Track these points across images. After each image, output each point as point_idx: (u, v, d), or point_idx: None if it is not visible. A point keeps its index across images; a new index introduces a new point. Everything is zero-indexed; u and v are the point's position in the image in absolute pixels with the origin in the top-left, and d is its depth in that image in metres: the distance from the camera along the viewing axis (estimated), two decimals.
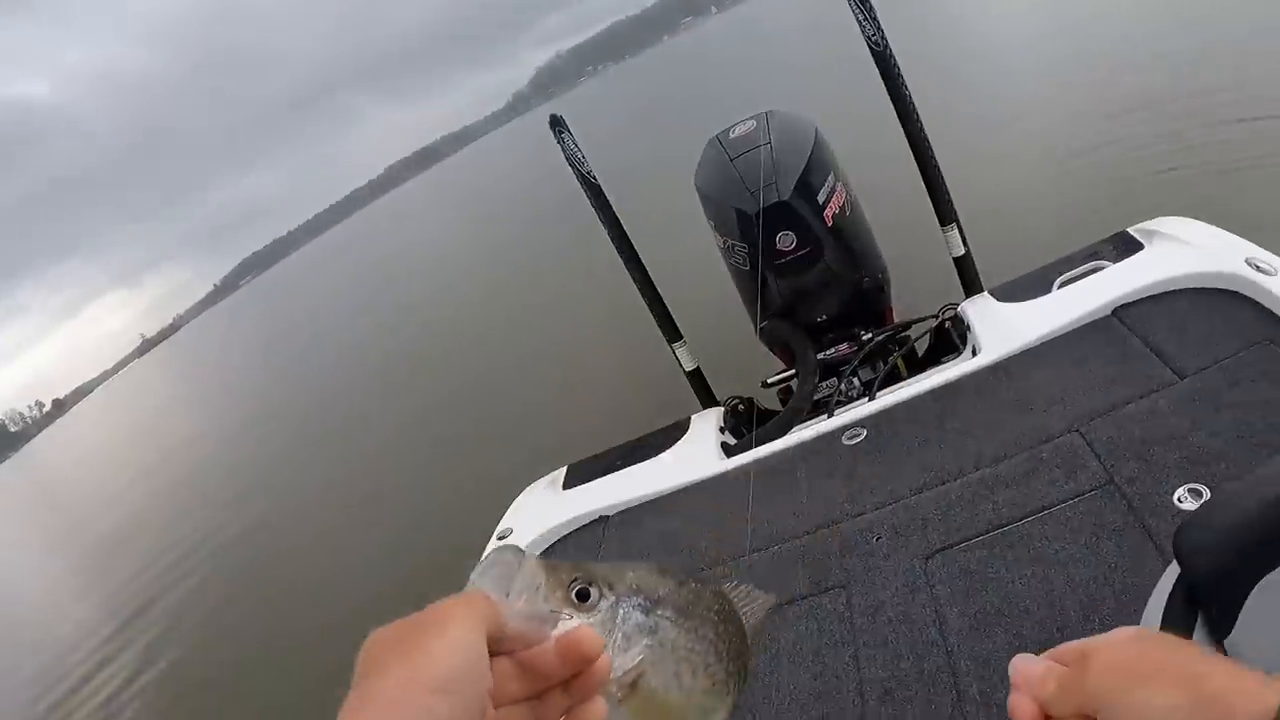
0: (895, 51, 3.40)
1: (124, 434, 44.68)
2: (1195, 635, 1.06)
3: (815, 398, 3.64)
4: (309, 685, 7.34)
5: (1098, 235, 3.41)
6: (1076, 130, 10.07)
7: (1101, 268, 3.13)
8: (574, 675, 0.65)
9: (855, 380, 3.72)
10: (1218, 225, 3.03)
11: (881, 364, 3.73)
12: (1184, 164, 7.75)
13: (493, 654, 0.61)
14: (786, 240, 3.50)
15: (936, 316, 3.71)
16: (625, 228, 3.83)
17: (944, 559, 2.17)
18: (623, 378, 9.18)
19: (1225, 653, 1.02)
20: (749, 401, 3.93)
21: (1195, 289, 2.69)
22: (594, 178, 3.74)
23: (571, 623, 0.65)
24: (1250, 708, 0.60)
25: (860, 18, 3.34)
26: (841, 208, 3.60)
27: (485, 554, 0.68)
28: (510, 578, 0.66)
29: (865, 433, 2.89)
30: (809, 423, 3.34)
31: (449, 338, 17.27)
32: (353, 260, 66.30)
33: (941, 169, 3.56)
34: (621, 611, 0.69)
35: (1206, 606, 1.07)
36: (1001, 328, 3.11)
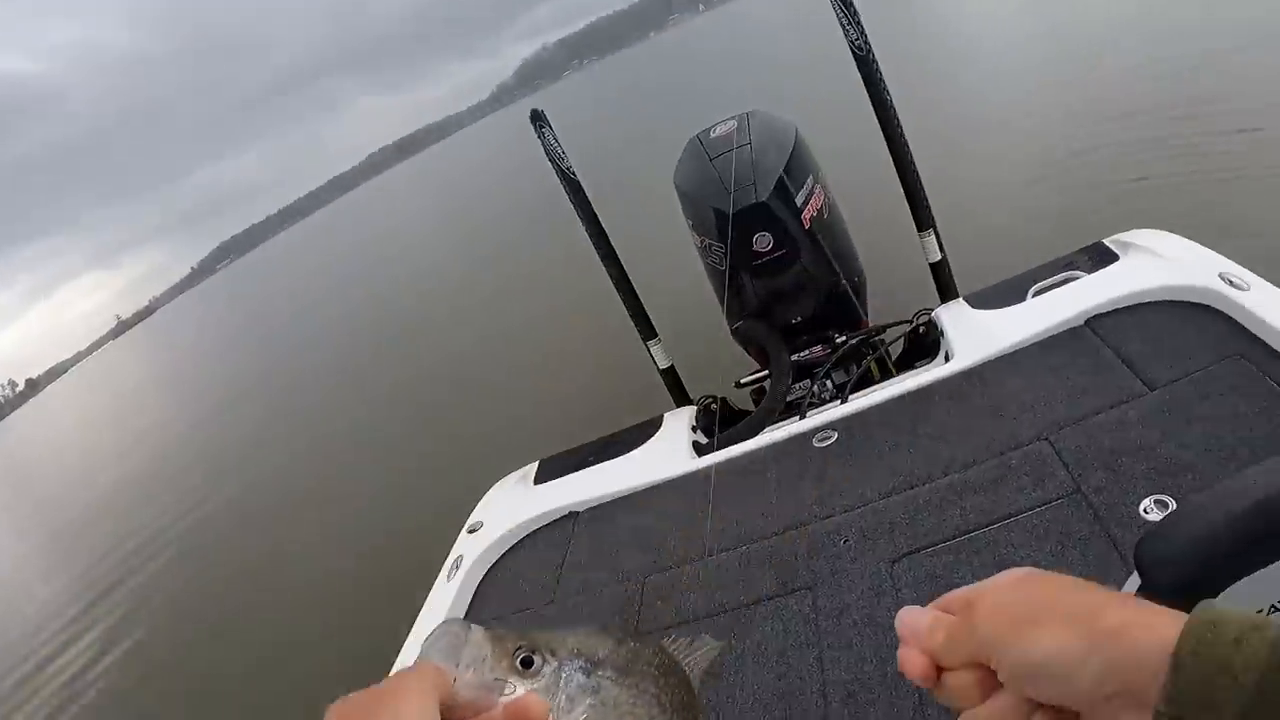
0: (878, 55, 3.41)
1: (96, 416, 44.40)
2: None
3: (788, 399, 3.64)
4: (272, 668, 7.34)
5: (1075, 244, 3.43)
6: (1059, 136, 10.11)
7: (1076, 278, 3.14)
8: None
9: (828, 383, 3.72)
10: (1198, 236, 3.04)
11: (855, 367, 3.73)
12: (1166, 174, 7.77)
13: None
14: (763, 241, 3.50)
15: (911, 321, 3.72)
16: (603, 224, 3.83)
17: (910, 563, 2.18)
18: (597, 374, 9.16)
19: None
20: (722, 401, 3.93)
21: (1168, 302, 2.71)
22: (573, 173, 3.73)
23: (518, 690, 0.69)
24: (1148, 641, 0.59)
25: (844, 22, 3.35)
26: (820, 210, 3.61)
27: (433, 630, 0.72)
28: (459, 649, 0.71)
29: (836, 435, 2.90)
30: (781, 424, 3.34)
31: (424, 329, 17.21)
32: (330, 248, 66.08)
33: (921, 174, 3.57)
34: (564, 675, 0.73)
35: None
36: (975, 334, 3.12)
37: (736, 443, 3.19)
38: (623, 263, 3.88)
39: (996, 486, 2.28)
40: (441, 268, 24.59)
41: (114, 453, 25.38)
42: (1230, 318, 2.46)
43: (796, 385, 3.74)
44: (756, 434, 3.27)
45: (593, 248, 3.86)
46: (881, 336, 3.84)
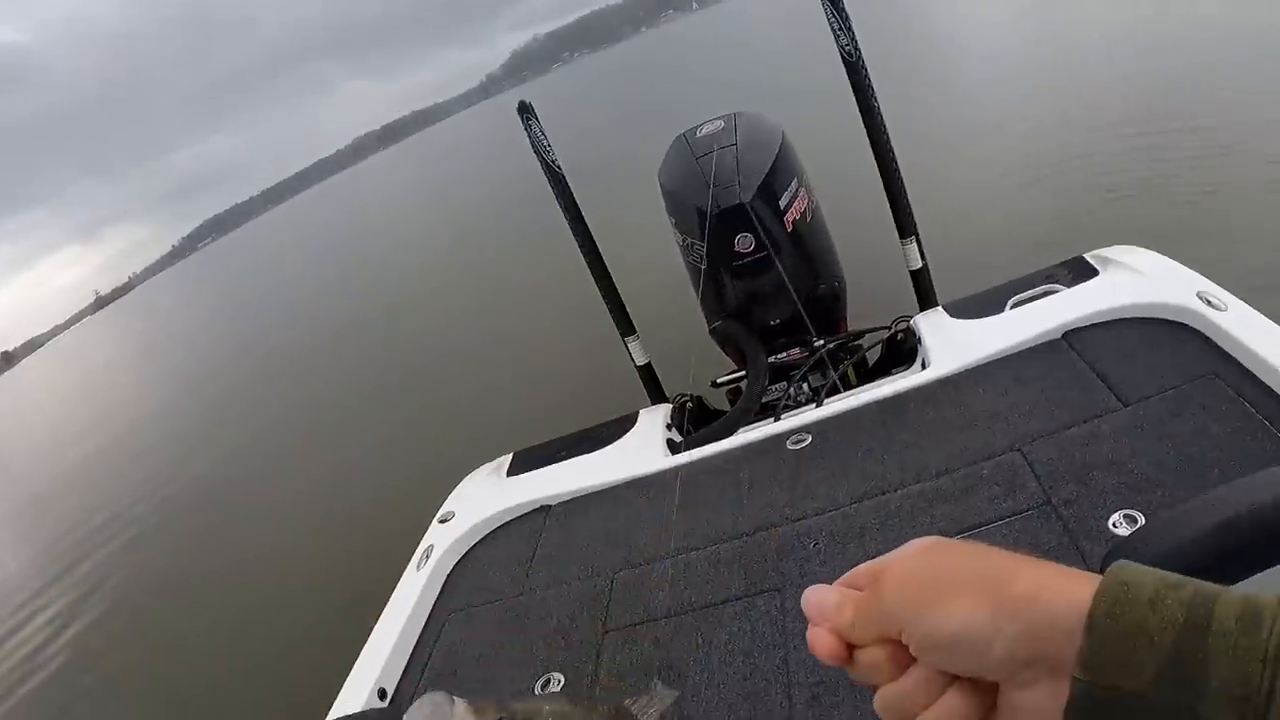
0: (869, 62, 3.42)
1: (70, 391, 44.15)
2: None
3: (763, 400, 3.65)
4: (237, 649, 7.32)
5: (1056, 256, 3.44)
6: (1048, 144, 10.20)
7: (1055, 291, 3.15)
8: None
9: (804, 385, 3.73)
10: (1179, 251, 3.06)
11: (831, 371, 3.73)
12: (1151, 187, 7.85)
13: None
14: (745, 242, 3.51)
15: (889, 328, 3.73)
16: (586, 219, 3.83)
17: None
18: (574, 368, 9.17)
19: None
20: (698, 400, 3.94)
21: (1145, 319, 2.72)
22: (558, 167, 3.73)
23: None
24: (1061, 605, 0.58)
25: (835, 27, 3.36)
26: (803, 214, 3.61)
27: (417, 702, 0.75)
28: None
29: (810, 438, 2.90)
30: (755, 425, 3.35)
31: (403, 317, 17.18)
32: (312, 232, 65.89)
33: (905, 182, 3.59)
34: None
35: None
36: (953, 343, 3.13)
37: (710, 442, 3.19)
38: (604, 258, 3.88)
39: (968, 495, 2.29)
40: (423, 256, 24.59)
41: (85, 428, 25.27)
42: (1206, 337, 2.47)
43: (772, 387, 3.74)
44: (731, 434, 3.27)
45: (575, 242, 3.86)
46: (859, 342, 3.85)
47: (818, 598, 0.71)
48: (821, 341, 3.77)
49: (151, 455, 16.64)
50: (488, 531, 3.20)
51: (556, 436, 3.72)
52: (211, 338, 33.39)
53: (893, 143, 3.55)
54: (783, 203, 3.53)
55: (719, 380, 4.11)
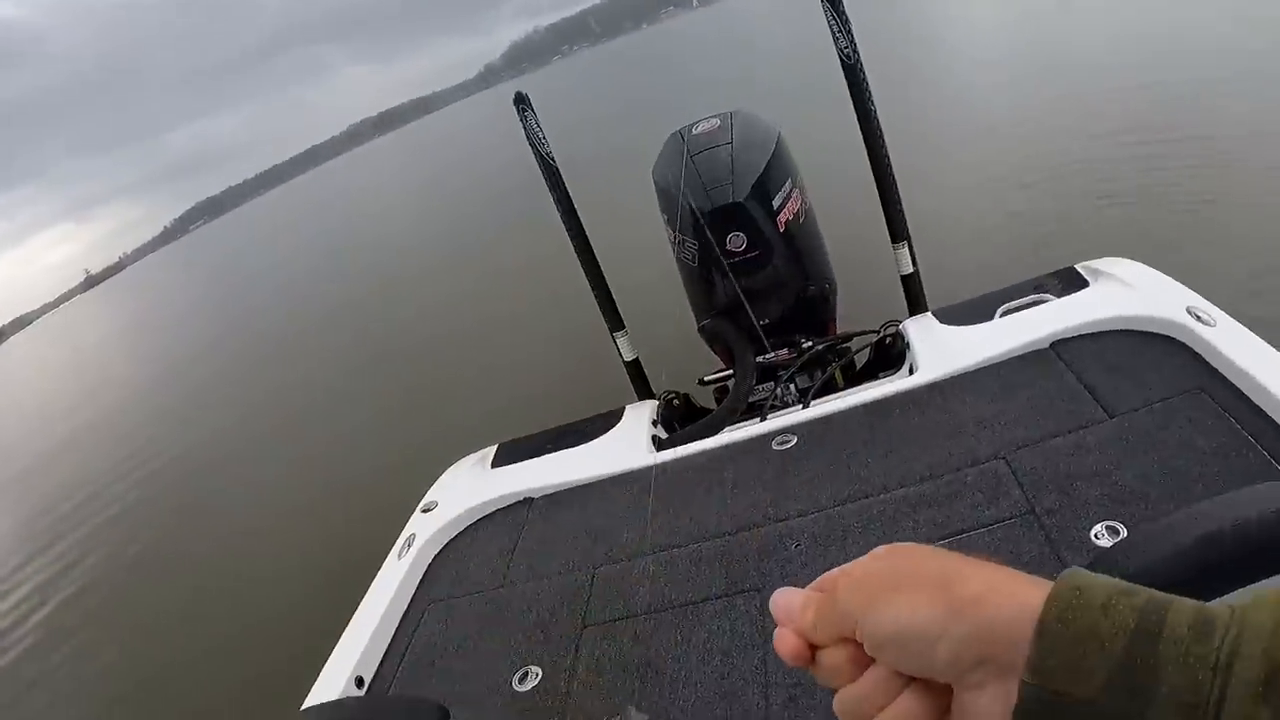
0: (868, 65, 3.42)
1: (57, 368, 43.98)
2: None
3: (750, 400, 3.65)
4: (214, 631, 7.31)
5: (1049, 264, 3.45)
6: (1043, 153, 10.19)
7: (1045, 300, 3.16)
8: None
9: (791, 386, 3.73)
10: (1172, 260, 3.07)
11: (819, 373, 3.73)
12: (1146, 198, 7.87)
13: None
14: (737, 241, 3.51)
15: (878, 332, 3.73)
16: (579, 212, 3.82)
17: None
18: (561, 361, 9.18)
19: None
20: (684, 397, 3.93)
21: (1134, 331, 2.72)
22: (552, 159, 3.72)
23: None
24: (1011, 608, 0.58)
25: (835, 29, 3.35)
26: (796, 215, 3.62)
27: None
28: None
29: (795, 439, 2.90)
30: (741, 424, 3.35)
31: (394, 305, 17.15)
32: (307, 216, 65.73)
33: (899, 187, 3.59)
34: None
35: None
36: (941, 349, 3.13)
37: (696, 440, 3.19)
38: (595, 252, 3.88)
39: (951, 502, 2.29)
40: (417, 244, 24.56)
41: (71, 406, 25.17)
42: (1195, 352, 2.48)
43: (760, 387, 3.74)
44: (716, 433, 3.27)
45: (567, 235, 3.86)
46: (848, 344, 3.85)
47: (784, 600, 0.73)
48: (810, 343, 3.77)
49: (136, 434, 16.56)
50: (470, 522, 3.19)
51: (542, 429, 3.72)
52: (201, 319, 33.31)
53: (888, 147, 3.55)
54: (776, 203, 3.53)
55: (706, 378, 4.11)
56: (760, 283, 3.67)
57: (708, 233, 3.51)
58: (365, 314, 17.48)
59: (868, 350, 3.85)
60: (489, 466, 3.54)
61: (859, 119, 3.48)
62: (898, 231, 3.64)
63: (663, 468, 3.03)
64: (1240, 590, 1.12)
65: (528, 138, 3.71)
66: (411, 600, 2.85)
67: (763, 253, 3.55)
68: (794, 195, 3.62)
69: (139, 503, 12.33)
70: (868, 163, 3.57)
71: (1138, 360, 2.58)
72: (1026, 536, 2.07)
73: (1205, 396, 2.28)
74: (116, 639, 8.32)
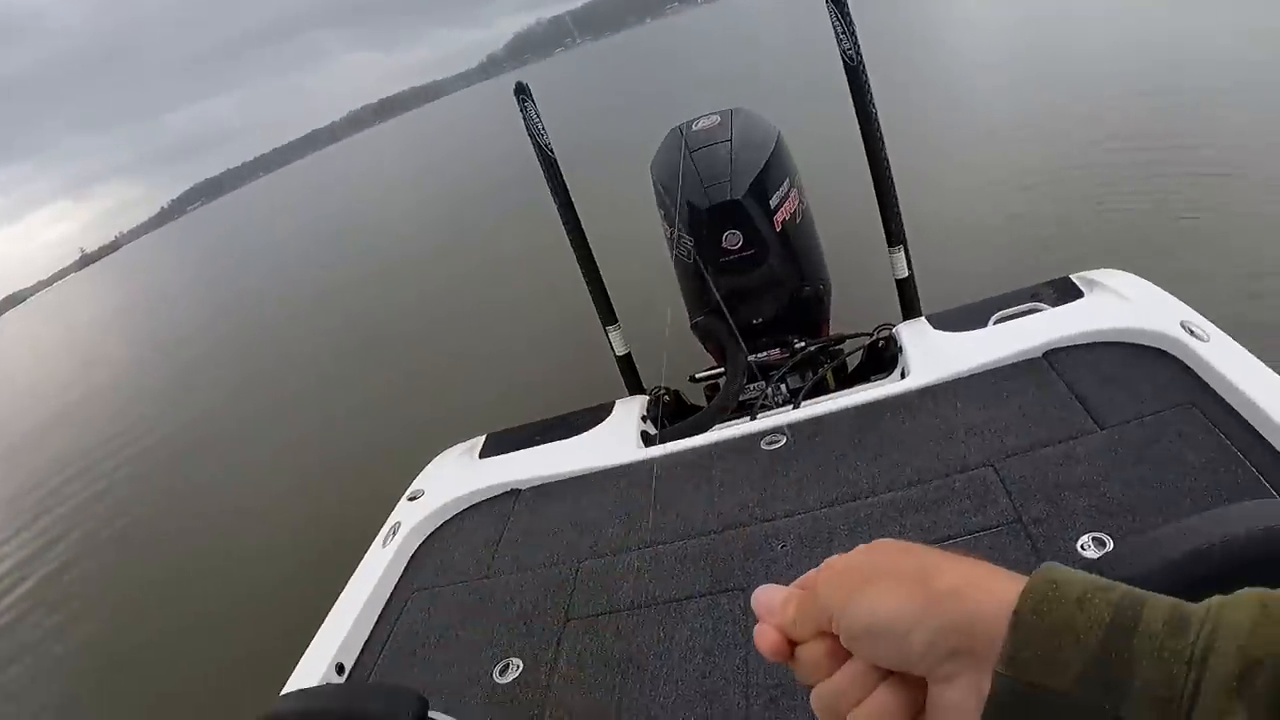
0: (870, 68, 3.41)
1: (50, 347, 43.87)
2: None
3: (740, 399, 3.64)
4: (193, 607, 7.30)
5: (1045, 269, 3.45)
6: (1042, 158, 10.20)
7: (1040, 309, 3.16)
8: None
9: (782, 386, 3.73)
10: (1168, 272, 3.07)
11: (811, 374, 3.73)
12: (1144, 207, 7.88)
13: None
14: (733, 239, 3.50)
15: (871, 335, 3.72)
16: (575, 205, 3.81)
17: None
18: (553, 353, 9.17)
19: None
20: (675, 394, 3.93)
21: (1127, 344, 2.72)
22: (551, 150, 3.72)
23: None
24: (987, 601, 0.58)
25: (839, 30, 3.35)
26: (792, 215, 3.61)
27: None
28: None
29: (785, 440, 2.89)
30: (731, 422, 3.35)
31: (389, 290, 17.14)
32: (302, 202, 65.60)
33: (897, 191, 3.58)
34: None
35: None
36: (934, 355, 3.13)
37: (685, 437, 3.19)
38: (591, 245, 3.87)
39: (938, 507, 2.29)
40: (413, 231, 24.55)
41: (61, 383, 25.11)
42: (1187, 366, 2.48)
43: (750, 386, 3.74)
44: (705, 430, 3.27)
45: (563, 227, 3.85)
46: (840, 346, 3.85)
47: (766, 596, 0.73)
48: (802, 343, 3.77)
49: (127, 412, 16.52)
50: (456, 512, 3.19)
51: (531, 421, 3.72)
52: (194, 300, 33.25)
53: (888, 150, 3.55)
54: (773, 202, 3.53)
55: (698, 375, 4.10)
56: (755, 281, 3.66)
57: (704, 229, 3.51)
58: (359, 299, 17.46)
59: (860, 353, 3.85)
60: (477, 456, 3.54)
61: (859, 121, 3.47)
62: (894, 235, 3.63)
63: (651, 464, 3.03)
64: None
65: (527, 128, 3.70)
66: (395, 588, 2.85)
67: (758, 251, 3.55)
68: (791, 195, 3.61)
69: (125, 481, 12.30)
70: (866, 165, 3.57)
71: (1130, 372, 2.58)
72: (1013, 545, 2.06)
73: (1196, 411, 2.28)
74: (96, 617, 8.31)
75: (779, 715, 1.88)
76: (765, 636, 0.71)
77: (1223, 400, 2.28)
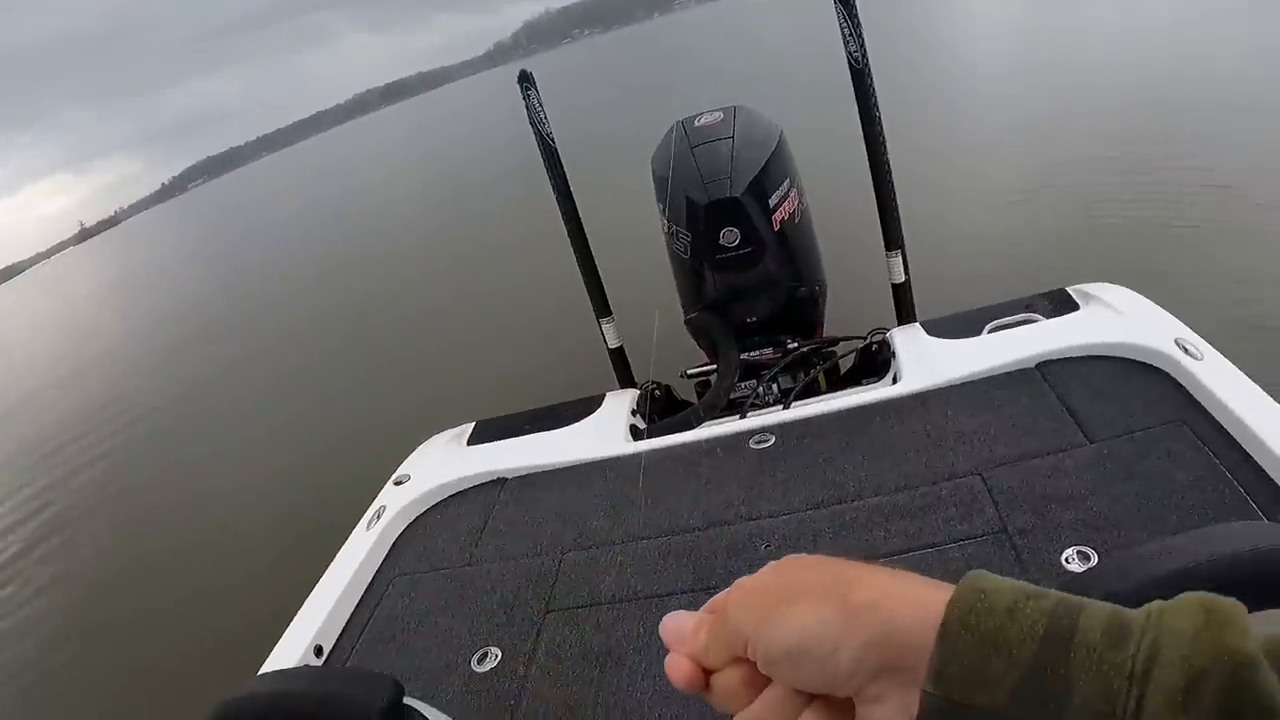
0: (875, 71, 3.41)
1: (44, 319, 43.78)
2: None
3: (731, 397, 3.64)
4: (172, 582, 7.29)
5: (1041, 280, 3.45)
6: (1043, 167, 10.19)
7: (1034, 320, 3.16)
8: None
9: (774, 386, 3.73)
10: (1164, 290, 3.07)
11: (802, 375, 3.73)
12: (1142, 221, 7.86)
13: None
14: (730, 236, 3.50)
15: (865, 338, 3.73)
16: (574, 195, 3.81)
17: None
18: (546, 342, 9.14)
19: None
20: (666, 389, 3.93)
21: (1121, 359, 2.72)
22: (552, 140, 3.71)
23: None
24: (911, 614, 0.55)
25: (846, 32, 3.34)
26: (791, 215, 3.61)
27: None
28: None
29: (773, 439, 2.89)
30: (720, 420, 3.35)
31: (387, 273, 17.13)
32: (304, 182, 65.55)
33: (897, 195, 3.58)
34: None
35: None
36: (926, 361, 3.12)
37: (673, 432, 3.19)
38: (588, 236, 3.87)
39: (924, 514, 2.28)
40: (414, 215, 24.56)
41: (54, 356, 25.10)
42: (1179, 383, 2.47)
43: (742, 384, 3.74)
44: (695, 427, 3.27)
45: (561, 217, 3.84)
46: (833, 348, 3.85)
47: (674, 624, 0.70)
48: (795, 344, 3.77)
49: (121, 384, 16.54)
50: (441, 498, 3.19)
51: (521, 410, 3.72)
52: (194, 277, 33.16)
53: (890, 154, 3.55)
54: (772, 201, 3.52)
55: (689, 371, 4.10)
56: (750, 280, 3.66)
57: (701, 226, 3.50)
58: (359, 280, 17.43)
59: (853, 356, 3.85)
60: (464, 443, 3.54)
61: (863, 124, 3.47)
62: (892, 239, 3.63)
63: (638, 458, 3.02)
64: None
65: (529, 117, 3.70)
66: (377, 572, 2.84)
67: (755, 250, 3.54)
68: (791, 195, 3.61)
69: (112, 455, 12.25)
70: (868, 168, 3.57)
71: (1122, 388, 2.57)
72: (997, 555, 2.06)
73: (1186, 429, 2.28)
74: (74, 590, 8.30)
75: None
76: (677, 666, 0.68)
77: (1213, 419, 2.27)
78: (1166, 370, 2.56)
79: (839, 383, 3.83)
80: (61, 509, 10.73)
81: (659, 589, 2.33)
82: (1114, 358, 2.74)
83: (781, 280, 3.71)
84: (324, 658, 2.47)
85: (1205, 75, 12.01)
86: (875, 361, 3.73)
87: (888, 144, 3.52)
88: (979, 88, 16.92)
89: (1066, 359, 2.81)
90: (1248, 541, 1.20)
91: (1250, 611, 0.53)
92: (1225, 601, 0.53)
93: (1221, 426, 2.24)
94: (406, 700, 1.57)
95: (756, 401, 3.63)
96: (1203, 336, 2.67)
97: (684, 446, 3.05)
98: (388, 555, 2.94)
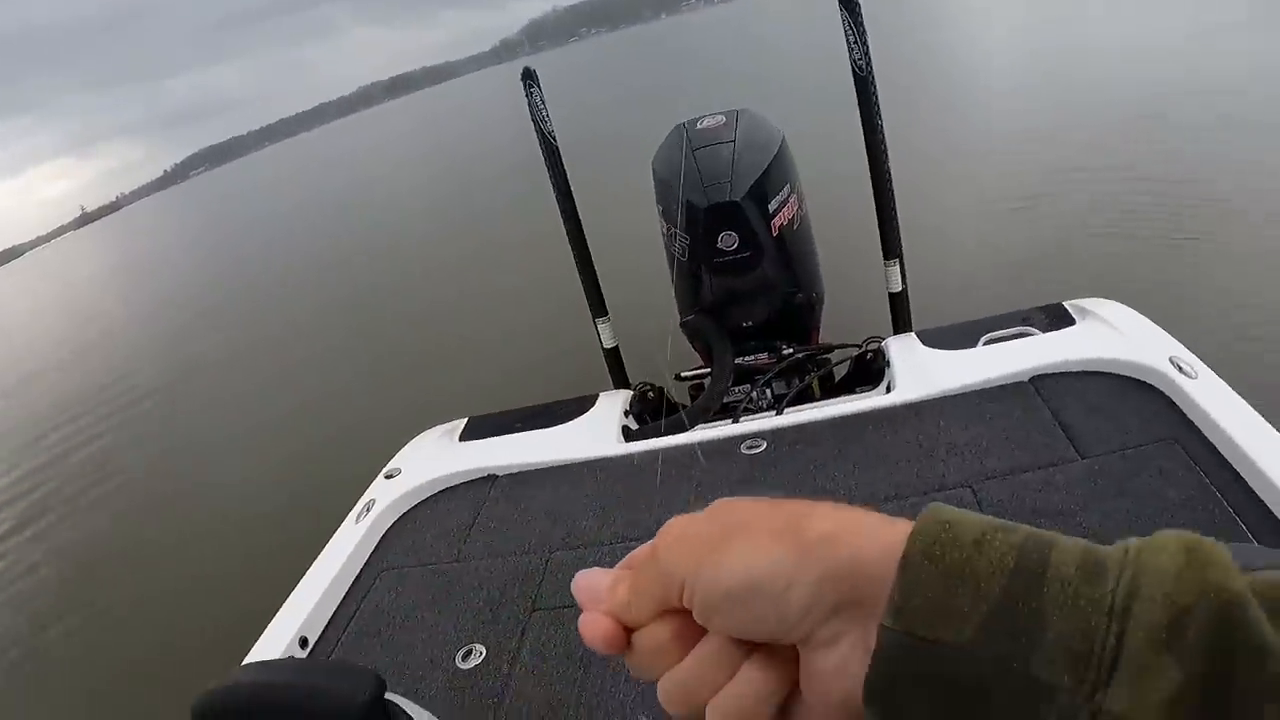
0: (878, 78, 3.41)
1: (41, 303, 43.73)
2: None
3: (724, 401, 3.64)
4: (157, 568, 7.29)
5: (1038, 295, 3.45)
6: (1047, 181, 10.17)
7: (1030, 334, 3.16)
8: None
9: (767, 392, 3.72)
10: (1161, 306, 3.07)
11: (796, 381, 3.73)
12: (1144, 237, 7.85)
13: None
14: (728, 240, 3.49)
15: (860, 346, 3.73)
16: (574, 194, 3.81)
17: None
18: (542, 340, 9.14)
19: None
20: (659, 391, 3.92)
21: (1115, 375, 2.72)
22: (554, 138, 3.72)
23: None
24: (870, 547, 0.51)
25: (851, 39, 3.35)
26: (790, 221, 3.60)
27: None
28: None
29: (765, 445, 2.89)
30: (713, 424, 3.34)
31: (389, 266, 17.14)
32: (308, 173, 65.54)
33: (897, 204, 3.58)
34: None
35: None
36: (921, 371, 3.12)
37: (666, 435, 3.18)
38: (586, 236, 3.87)
39: None
40: (412, 211, 24.55)
41: (54, 339, 25.07)
42: (1172, 402, 2.47)
43: (735, 388, 3.74)
44: (687, 429, 3.26)
45: (560, 216, 3.84)
46: (828, 356, 3.84)
47: (588, 580, 0.63)
48: (790, 350, 3.77)
49: (117, 367, 16.54)
50: (431, 493, 3.19)
51: (514, 407, 3.72)
52: (192, 265, 33.23)
53: (891, 163, 3.55)
54: (772, 206, 3.52)
55: (683, 374, 4.10)
56: (747, 284, 3.65)
57: (700, 229, 3.50)
58: (360, 272, 17.44)
59: (847, 363, 3.85)
60: (456, 439, 3.54)
61: (864, 131, 3.47)
62: (891, 248, 3.63)
63: (629, 459, 3.02)
64: None
65: (531, 114, 3.71)
66: (364, 565, 2.84)
67: (753, 255, 3.54)
68: (791, 200, 3.60)
69: (106, 439, 12.25)
70: (868, 176, 3.57)
71: (1115, 404, 2.57)
72: None
73: (1178, 447, 2.28)
74: (62, 576, 8.29)
75: None
76: (594, 625, 0.59)
77: (1205, 439, 2.27)
78: (1160, 388, 2.56)
79: (833, 390, 3.83)
80: (43, 496, 10.71)
81: None
82: (1108, 374, 2.74)
83: (779, 286, 3.70)
84: (309, 649, 2.46)
85: (1207, 90, 11.99)
86: (870, 370, 3.73)
87: (889, 152, 3.53)
88: (982, 100, 16.93)
89: (1061, 374, 2.81)
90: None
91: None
92: (1207, 541, 0.50)
93: (1214, 446, 2.24)
94: (388, 696, 1.57)
95: (750, 406, 3.62)
96: (1198, 354, 2.67)
97: (675, 449, 3.04)
98: (376, 549, 2.93)
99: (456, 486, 3.20)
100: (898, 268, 3.66)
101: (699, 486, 2.75)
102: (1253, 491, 2.05)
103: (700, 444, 3.03)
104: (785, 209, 3.57)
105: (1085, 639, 0.45)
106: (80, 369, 18.10)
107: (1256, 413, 2.27)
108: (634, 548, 2.01)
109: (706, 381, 3.80)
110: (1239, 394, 2.39)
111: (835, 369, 3.87)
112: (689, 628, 0.57)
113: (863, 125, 3.47)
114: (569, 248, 3.91)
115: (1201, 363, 2.61)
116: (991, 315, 3.37)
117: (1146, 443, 2.35)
